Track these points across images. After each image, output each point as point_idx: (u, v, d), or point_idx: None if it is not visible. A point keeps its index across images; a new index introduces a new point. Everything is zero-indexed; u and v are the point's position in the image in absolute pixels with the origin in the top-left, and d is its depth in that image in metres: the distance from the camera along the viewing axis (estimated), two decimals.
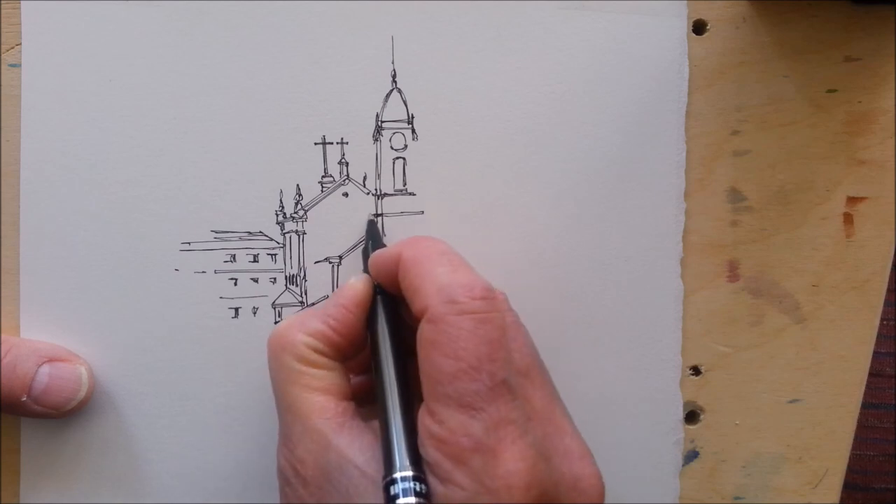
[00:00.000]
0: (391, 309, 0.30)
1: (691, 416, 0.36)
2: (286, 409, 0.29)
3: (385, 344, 0.29)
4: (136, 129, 0.32)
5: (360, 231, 0.34)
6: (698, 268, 0.35)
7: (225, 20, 0.32)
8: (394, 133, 0.34)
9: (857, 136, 0.35)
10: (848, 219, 0.35)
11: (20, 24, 0.32)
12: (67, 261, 0.32)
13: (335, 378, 0.29)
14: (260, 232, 0.33)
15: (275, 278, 0.33)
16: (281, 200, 0.33)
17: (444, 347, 0.26)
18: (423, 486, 0.25)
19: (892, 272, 0.36)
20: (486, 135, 0.34)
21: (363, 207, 0.34)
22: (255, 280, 0.33)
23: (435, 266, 0.28)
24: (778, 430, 0.36)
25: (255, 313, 0.33)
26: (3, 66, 0.32)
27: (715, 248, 0.35)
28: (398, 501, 0.25)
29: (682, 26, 0.34)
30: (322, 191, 0.33)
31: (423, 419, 0.26)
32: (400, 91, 0.33)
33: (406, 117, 0.34)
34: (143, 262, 0.33)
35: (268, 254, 0.33)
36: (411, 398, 0.28)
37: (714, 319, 0.35)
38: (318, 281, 0.34)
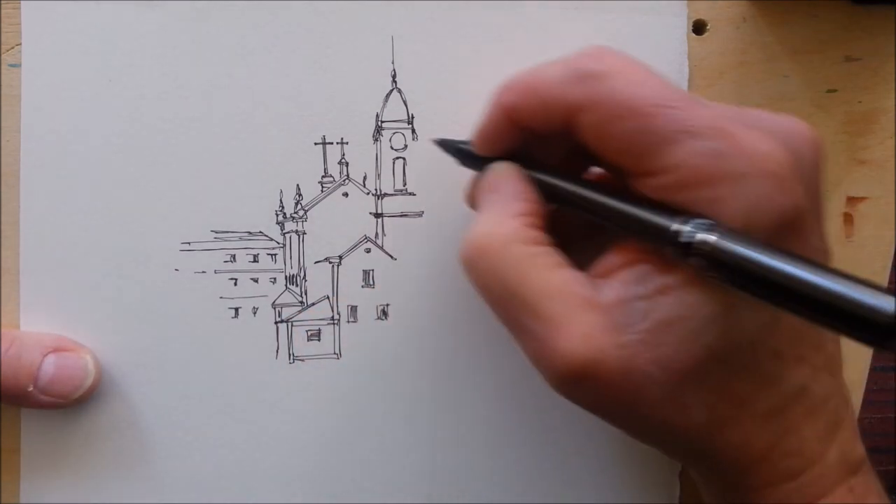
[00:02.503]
0: (536, 161, 0.29)
1: None
2: (537, 300, 0.25)
3: (559, 181, 0.28)
4: (136, 129, 0.32)
5: (359, 231, 0.34)
6: None
7: (225, 20, 0.32)
8: (394, 133, 0.34)
9: (857, 136, 0.35)
10: (848, 219, 0.35)
11: (20, 24, 0.32)
12: (67, 261, 0.32)
13: (560, 253, 0.27)
14: (260, 232, 0.33)
15: (275, 278, 0.33)
16: (281, 200, 0.33)
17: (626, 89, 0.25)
18: (702, 220, 0.24)
19: (892, 270, 0.36)
20: None
21: (363, 207, 0.34)
22: (255, 280, 0.33)
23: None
24: None
25: (255, 313, 0.33)
26: (3, 66, 0.32)
27: None
28: (704, 247, 0.23)
29: (682, 26, 0.34)
30: (322, 191, 0.33)
31: (647, 184, 0.25)
32: (400, 91, 0.33)
33: (406, 117, 0.34)
34: (144, 262, 0.33)
35: (268, 254, 0.33)
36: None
37: None
38: (318, 281, 0.34)
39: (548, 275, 0.26)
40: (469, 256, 0.27)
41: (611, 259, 0.26)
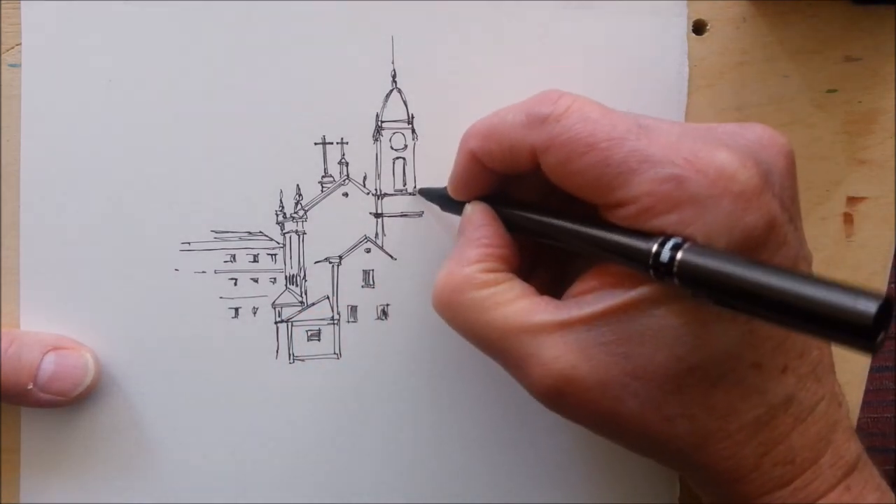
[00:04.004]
0: (512, 199, 0.30)
1: None
2: (500, 338, 0.27)
3: (535, 215, 0.29)
4: (136, 129, 0.32)
5: (359, 231, 0.34)
6: None
7: (225, 20, 0.32)
8: (394, 133, 0.34)
9: (857, 136, 0.35)
10: (848, 219, 0.35)
11: (20, 24, 0.32)
12: (67, 261, 0.32)
13: (519, 284, 0.28)
14: (260, 232, 0.33)
15: (275, 278, 0.33)
16: (281, 200, 0.33)
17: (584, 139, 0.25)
18: (677, 239, 0.24)
19: (892, 270, 0.36)
20: None
21: (363, 207, 0.34)
22: (255, 280, 0.33)
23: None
24: None
25: (255, 313, 0.33)
26: (3, 66, 0.32)
27: None
28: (676, 262, 0.23)
29: (682, 26, 0.34)
30: (322, 191, 0.33)
31: (616, 215, 0.26)
32: (400, 91, 0.33)
33: (406, 117, 0.34)
34: (143, 262, 0.33)
35: (268, 254, 0.33)
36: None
37: None
38: (318, 281, 0.34)
39: (505, 312, 0.27)
40: (435, 306, 0.29)
41: (585, 280, 0.27)
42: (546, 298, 0.27)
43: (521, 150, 0.27)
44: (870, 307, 0.20)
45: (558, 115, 0.26)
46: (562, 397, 0.26)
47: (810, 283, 0.21)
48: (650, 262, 0.24)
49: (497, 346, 0.27)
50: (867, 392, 0.37)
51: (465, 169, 0.30)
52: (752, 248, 0.24)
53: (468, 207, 0.30)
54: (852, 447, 0.28)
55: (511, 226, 0.30)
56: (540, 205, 0.29)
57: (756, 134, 0.27)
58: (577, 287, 0.27)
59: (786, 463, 0.26)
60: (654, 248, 0.24)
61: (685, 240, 0.24)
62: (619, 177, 0.25)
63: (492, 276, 0.28)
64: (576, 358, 0.26)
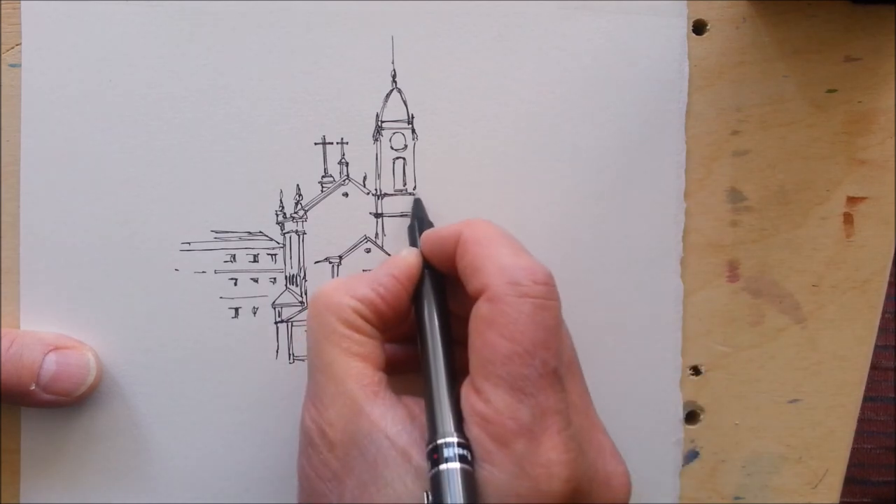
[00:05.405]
0: (438, 285, 0.31)
1: (691, 416, 0.36)
2: (321, 369, 0.29)
3: (433, 317, 0.30)
4: (136, 129, 0.32)
5: (359, 231, 0.34)
6: (698, 268, 0.35)
7: (225, 20, 0.32)
8: (394, 133, 0.34)
9: (857, 136, 0.35)
10: (848, 219, 0.35)
11: (20, 24, 0.32)
12: (67, 261, 0.32)
13: (374, 347, 0.29)
14: (260, 232, 0.33)
15: (275, 278, 0.34)
16: (281, 200, 0.33)
17: (501, 328, 0.26)
18: (469, 453, 0.25)
19: (892, 269, 0.36)
20: (486, 135, 0.34)
21: (363, 207, 0.34)
22: (255, 280, 0.33)
23: (499, 247, 0.28)
24: (778, 430, 0.36)
25: (255, 313, 0.33)
26: (3, 66, 0.32)
27: (715, 248, 0.35)
28: (442, 466, 0.25)
29: (682, 26, 0.34)
30: (322, 191, 0.33)
31: (469, 397, 0.26)
32: (400, 91, 0.33)
33: (406, 117, 0.34)
34: (143, 262, 0.33)
35: (268, 254, 0.33)
36: (455, 375, 0.28)
37: (714, 319, 0.35)
38: (318, 281, 0.34)
39: (340, 357, 0.28)
40: (313, 296, 0.30)
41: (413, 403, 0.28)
42: (368, 382, 0.28)
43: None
44: None
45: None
46: (310, 443, 0.28)
47: None
48: (430, 449, 0.26)
49: (314, 363, 0.29)
50: (867, 384, 0.37)
51: (448, 245, 0.30)
52: None
53: (406, 252, 0.31)
54: None
55: (417, 298, 0.30)
56: (447, 330, 0.30)
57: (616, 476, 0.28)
58: (409, 403, 0.28)
59: None
60: (448, 451, 0.25)
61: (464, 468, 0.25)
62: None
63: (359, 321, 0.29)
64: (334, 429, 0.27)
